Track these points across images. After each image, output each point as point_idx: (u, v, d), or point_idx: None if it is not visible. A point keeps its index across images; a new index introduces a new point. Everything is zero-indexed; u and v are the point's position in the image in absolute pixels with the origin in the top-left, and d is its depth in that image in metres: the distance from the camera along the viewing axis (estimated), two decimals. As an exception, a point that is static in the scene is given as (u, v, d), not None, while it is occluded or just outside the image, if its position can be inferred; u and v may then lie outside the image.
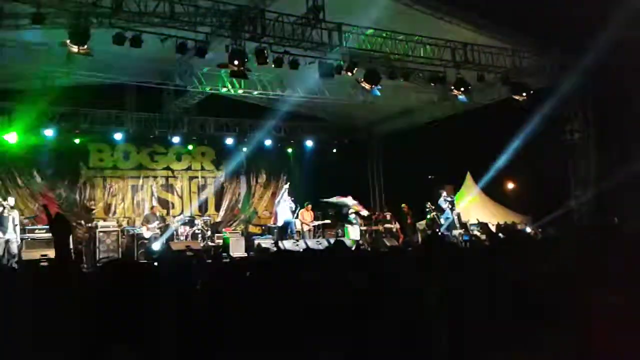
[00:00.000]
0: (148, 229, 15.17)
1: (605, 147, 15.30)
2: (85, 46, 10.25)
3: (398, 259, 4.77)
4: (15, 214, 12.95)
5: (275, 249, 13.61)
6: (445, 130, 18.44)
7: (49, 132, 15.60)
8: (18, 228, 12.91)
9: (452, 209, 16.53)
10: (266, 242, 15.18)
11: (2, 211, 12.65)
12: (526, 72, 14.93)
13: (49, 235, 13.82)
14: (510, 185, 23.78)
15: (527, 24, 14.05)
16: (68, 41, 10.13)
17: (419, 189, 18.48)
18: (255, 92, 15.20)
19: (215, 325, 2.53)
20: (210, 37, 11.69)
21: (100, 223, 15.37)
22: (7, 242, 12.47)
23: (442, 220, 16.40)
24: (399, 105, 17.42)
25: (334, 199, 17.66)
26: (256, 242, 15.55)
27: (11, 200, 13.16)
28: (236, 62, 11.53)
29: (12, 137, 15.08)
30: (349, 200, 17.40)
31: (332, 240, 14.39)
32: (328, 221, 17.59)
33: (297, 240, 15.46)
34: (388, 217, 18.20)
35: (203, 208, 18.66)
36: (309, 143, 19.88)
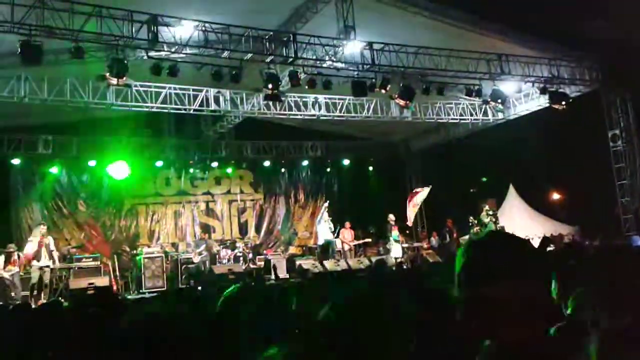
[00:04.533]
0: (197, 254, 15.51)
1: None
2: (124, 78, 10.54)
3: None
4: (49, 240, 12.55)
5: (316, 270, 13.58)
6: (485, 142, 18.15)
7: (92, 163, 16.07)
8: (55, 253, 12.59)
9: (495, 223, 16.15)
10: (307, 263, 15.14)
11: (35, 239, 12.42)
12: (565, 81, 14.63)
13: (96, 263, 14.10)
14: (556, 196, 23.16)
15: (563, 32, 13.77)
16: (107, 74, 10.42)
17: (461, 203, 18.18)
18: (290, 114, 15.27)
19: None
20: (244, 62, 11.84)
21: (145, 249, 15.63)
22: (41, 269, 12.11)
23: (485, 235, 16.01)
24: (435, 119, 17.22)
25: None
26: (297, 263, 15.53)
27: (43, 228, 12.79)
28: (270, 86, 11.70)
29: (55, 169, 15.69)
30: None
31: (373, 259, 14.29)
32: (369, 240, 17.44)
33: (338, 260, 15.36)
34: (435, 234, 17.93)
35: (243, 231, 18.80)
36: (346, 161, 19.85)
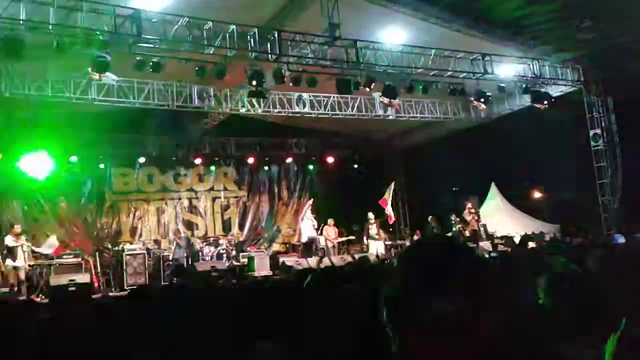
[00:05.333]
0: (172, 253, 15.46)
1: (631, 152, 15.05)
2: (107, 73, 10.42)
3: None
4: (23, 240, 12.62)
5: (299, 267, 13.59)
6: (467, 141, 18.27)
7: (74, 159, 15.87)
8: (27, 255, 12.57)
9: (477, 221, 16.30)
10: (291, 260, 15.15)
11: (11, 239, 12.43)
12: (547, 81, 14.81)
13: (77, 260, 13.96)
14: (537, 194, 23.35)
15: (546, 32, 13.90)
16: (90, 69, 10.30)
17: (444, 201, 18.29)
18: (275, 111, 15.24)
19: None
20: (228, 58, 11.78)
21: (127, 246, 15.48)
22: (15, 268, 12.16)
23: (467, 233, 16.16)
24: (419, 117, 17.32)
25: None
26: (281, 260, 15.54)
27: (18, 228, 12.78)
28: (254, 83, 11.66)
29: (40, 167, 15.25)
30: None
31: (357, 257, 14.33)
32: (352, 237, 17.50)
33: (322, 257, 15.39)
34: (418, 232, 18.01)
35: (227, 228, 18.74)
36: (330, 159, 19.86)
